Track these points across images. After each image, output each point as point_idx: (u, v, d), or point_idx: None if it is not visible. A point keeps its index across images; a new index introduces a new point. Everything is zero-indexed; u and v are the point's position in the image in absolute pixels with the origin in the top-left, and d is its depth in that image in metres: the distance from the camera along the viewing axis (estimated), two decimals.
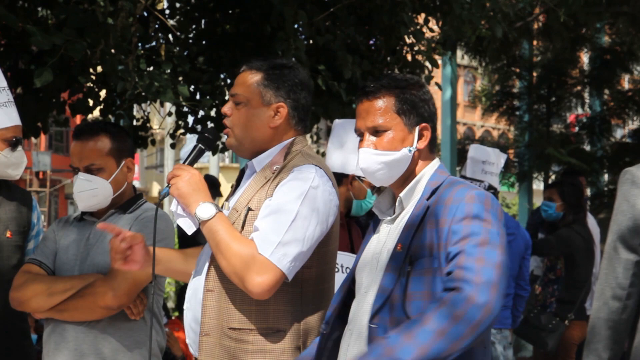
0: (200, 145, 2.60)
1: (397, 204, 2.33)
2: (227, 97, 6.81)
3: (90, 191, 3.00)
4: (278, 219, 2.40)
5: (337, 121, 4.07)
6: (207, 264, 2.53)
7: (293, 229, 2.39)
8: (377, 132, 2.31)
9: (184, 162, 2.58)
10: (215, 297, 2.47)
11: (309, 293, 2.52)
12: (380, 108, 2.30)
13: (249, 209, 2.49)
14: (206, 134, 2.61)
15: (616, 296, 2.42)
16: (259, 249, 2.37)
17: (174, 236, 3.16)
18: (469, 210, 2.14)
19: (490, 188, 5.11)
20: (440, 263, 2.14)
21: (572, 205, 5.77)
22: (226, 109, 2.61)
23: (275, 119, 2.58)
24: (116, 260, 2.55)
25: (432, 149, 2.35)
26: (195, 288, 2.54)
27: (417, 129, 2.30)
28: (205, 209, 2.44)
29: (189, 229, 2.51)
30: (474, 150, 5.27)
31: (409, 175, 2.33)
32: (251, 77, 2.59)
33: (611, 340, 2.42)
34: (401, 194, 2.32)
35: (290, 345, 2.45)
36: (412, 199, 2.31)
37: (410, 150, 2.29)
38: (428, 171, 2.33)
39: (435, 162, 2.35)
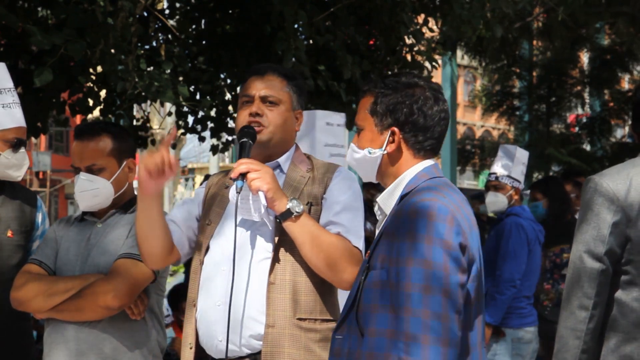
0: (248, 140, 2.59)
1: (375, 209, 2.32)
2: (227, 97, 6.82)
3: (92, 191, 3.00)
4: (354, 215, 2.58)
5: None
6: (262, 260, 2.53)
7: (362, 224, 2.59)
8: (358, 129, 2.34)
9: (240, 158, 2.55)
10: (277, 290, 2.51)
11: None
12: (362, 107, 2.33)
13: (311, 204, 2.59)
14: (246, 129, 2.61)
15: (583, 306, 2.38)
16: (353, 242, 2.54)
17: None
18: (411, 227, 2.06)
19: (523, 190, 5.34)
20: (390, 277, 2.06)
21: (556, 199, 5.83)
22: (256, 109, 2.63)
23: (297, 124, 2.73)
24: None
25: (419, 152, 2.25)
26: (239, 283, 2.50)
27: (389, 131, 2.25)
28: (297, 203, 2.49)
29: (270, 223, 2.55)
30: (517, 151, 5.35)
31: (389, 178, 2.28)
32: (281, 82, 2.69)
33: (579, 350, 2.39)
34: (378, 199, 2.30)
35: None
36: (391, 204, 2.25)
37: (370, 152, 2.26)
38: (408, 175, 2.24)
39: (419, 165, 2.25)
